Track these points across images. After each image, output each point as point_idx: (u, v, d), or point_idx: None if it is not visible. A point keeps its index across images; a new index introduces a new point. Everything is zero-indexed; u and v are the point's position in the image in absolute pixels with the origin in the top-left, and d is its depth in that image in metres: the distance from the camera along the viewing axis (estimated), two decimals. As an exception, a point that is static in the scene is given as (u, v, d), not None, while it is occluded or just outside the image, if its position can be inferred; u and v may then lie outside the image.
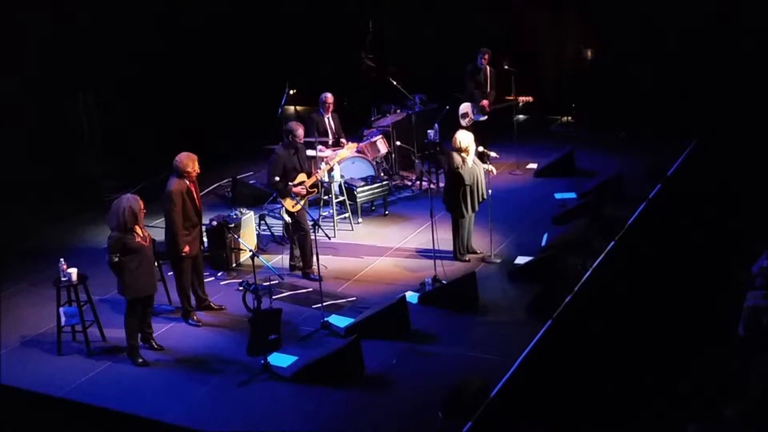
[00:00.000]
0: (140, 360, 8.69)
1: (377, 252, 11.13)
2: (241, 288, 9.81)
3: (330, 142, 12.55)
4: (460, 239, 10.62)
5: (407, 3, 17.43)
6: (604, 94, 15.79)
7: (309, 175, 10.33)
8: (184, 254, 9.22)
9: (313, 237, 10.21)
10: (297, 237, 10.39)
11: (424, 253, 10.88)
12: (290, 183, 10.10)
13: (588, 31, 16.74)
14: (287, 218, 10.93)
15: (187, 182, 9.23)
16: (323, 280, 9.93)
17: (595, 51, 16.88)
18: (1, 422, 8.06)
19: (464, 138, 10.35)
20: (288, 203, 10.11)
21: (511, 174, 13.75)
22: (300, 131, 10.25)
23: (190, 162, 9.19)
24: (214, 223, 10.73)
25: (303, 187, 10.19)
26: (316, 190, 10.58)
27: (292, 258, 10.60)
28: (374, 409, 7.77)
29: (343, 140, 12.57)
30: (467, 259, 10.63)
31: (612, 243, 10.67)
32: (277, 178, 10.07)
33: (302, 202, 10.12)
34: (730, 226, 10.96)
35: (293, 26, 17.69)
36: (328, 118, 12.61)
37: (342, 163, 11.93)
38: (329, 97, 12.57)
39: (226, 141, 15.57)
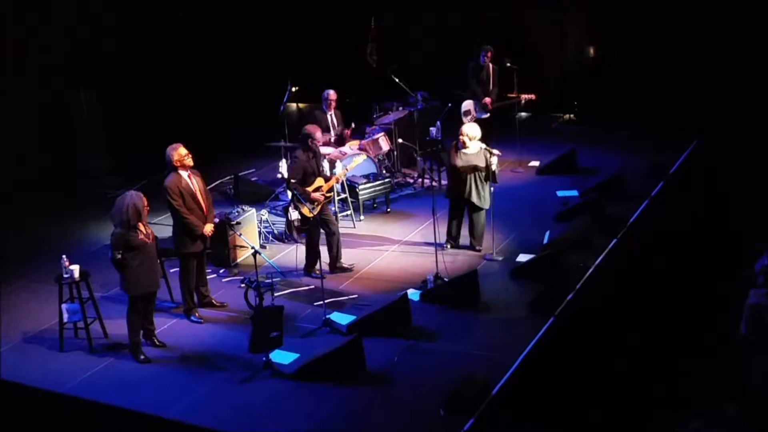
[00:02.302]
0: (142, 357, 8.70)
1: (379, 249, 11.13)
2: (242, 285, 9.82)
3: (332, 139, 12.55)
4: (455, 225, 10.70)
5: (411, 1, 17.43)
6: (607, 92, 15.78)
7: (326, 180, 10.31)
8: (204, 233, 9.24)
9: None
10: (304, 237, 10.31)
11: (425, 251, 10.88)
12: (307, 189, 10.05)
13: (590, 28, 16.73)
14: (292, 215, 10.89)
15: (184, 176, 9.23)
16: (325, 278, 9.94)
17: (597, 49, 16.88)
18: (3, 418, 8.08)
19: (471, 129, 10.58)
20: (305, 209, 10.10)
21: (513, 172, 13.74)
22: (318, 134, 10.20)
23: (173, 153, 9.18)
24: (216, 220, 10.74)
25: (321, 192, 10.17)
26: (332, 195, 10.53)
27: (332, 263, 10.44)
28: (376, 407, 7.78)
29: (347, 131, 12.57)
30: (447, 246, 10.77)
31: (614, 241, 10.68)
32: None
33: (318, 209, 10.11)
34: (732, 224, 10.97)
35: (296, 24, 17.70)
36: (331, 115, 12.62)
37: (344, 160, 11.93)
38: (332, 94, 12.57)
39: (228, 138, 15.58)
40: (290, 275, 10.43)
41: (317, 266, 10.09)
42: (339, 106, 12.73)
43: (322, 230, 10.28)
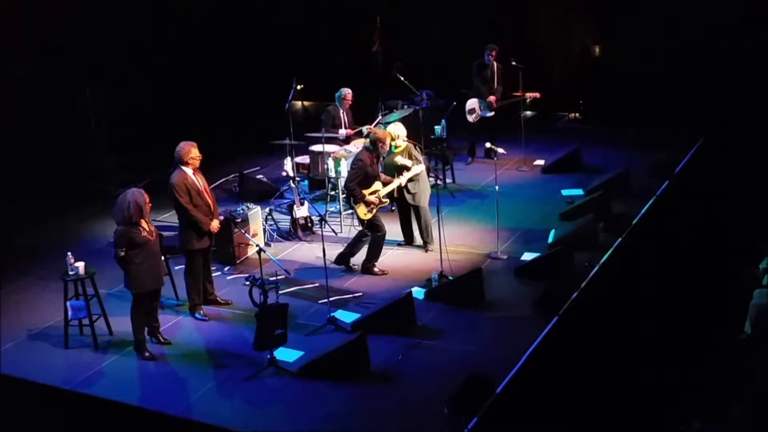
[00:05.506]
0: (147, 354, 8.72)
1: (384, 247, 11.10)
2: (247, 283, 9.82)
3: (343, 137, 12.55)
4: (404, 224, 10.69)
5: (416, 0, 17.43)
6: (612, 90, 15.77)
7: (384, 184, 10.32)
8: (211, 229, 9.26)
9: (318, 232, 10.20)
10: (373, 237, 10.32)
11: (429, 249, 10.87)
12: (364, 191, 10.09)
13: (596, 27, 16.71)
14: (297, 213, 10.81)
15: (190, 173, 9.23)
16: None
17: (602, 47, 16.85)
18: (8, 414, 8.10)
19: (394, 129, 10.57)
20: (361, 210, 10.13)
21: (518, 170, 13.74)
22: (388, 140, 10.30)
23: (192, 149, 9.17)
24: (221, 217, 10.74)
25: (377, 196, 10.19)
26: (388, 200, 10.55)
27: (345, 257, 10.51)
28: (380, 404, 7.78)
29: (366, 128, 12.61)
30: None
31: (619, 240, 10.67)
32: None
33: (374, 211, 10.17)
34: (737, 223, 10.95)
35: (301, 21, 17.71)
36: (344, 112, 12.64)
37: (349, 159, 11.92)
38: (349, 93, 12.59)
39: (232, 136, 15.58)
40: (295, 273, 10.43)
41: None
42: (350, 105, 12.74)
43: (369, 232, 10.33)
